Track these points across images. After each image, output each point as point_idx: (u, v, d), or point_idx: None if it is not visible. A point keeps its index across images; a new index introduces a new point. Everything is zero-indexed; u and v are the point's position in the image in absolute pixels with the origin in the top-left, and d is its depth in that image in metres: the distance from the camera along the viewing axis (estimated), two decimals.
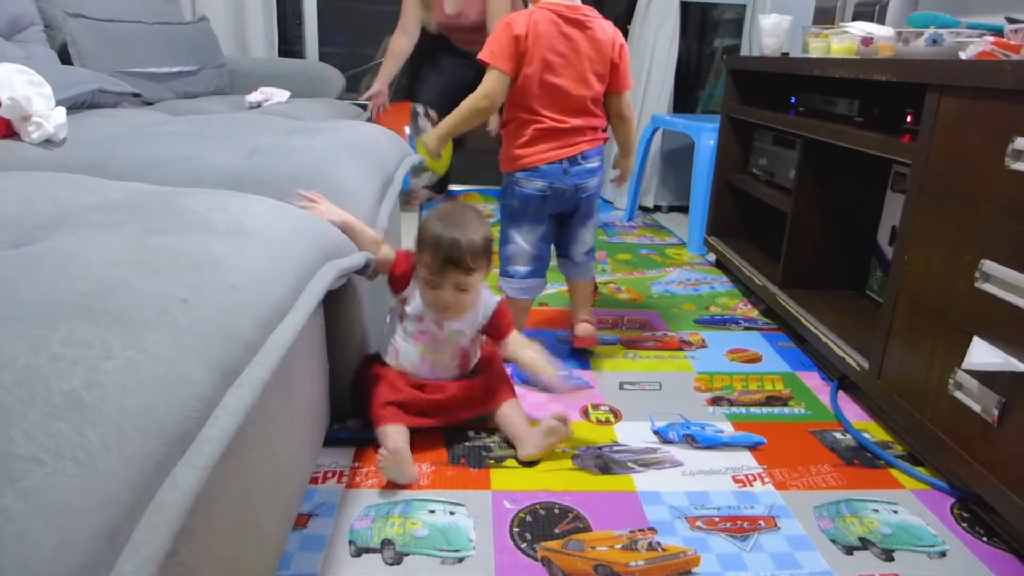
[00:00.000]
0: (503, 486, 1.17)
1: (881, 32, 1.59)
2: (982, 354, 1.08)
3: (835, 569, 1.02)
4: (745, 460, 1.28)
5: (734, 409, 1.47)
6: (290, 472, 0.98)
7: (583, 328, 1.64)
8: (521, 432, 1.26)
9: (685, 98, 3.61)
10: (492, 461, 1.24)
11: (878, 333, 1.38)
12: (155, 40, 2.33)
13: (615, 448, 1.30)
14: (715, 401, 1.50)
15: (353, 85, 3.37)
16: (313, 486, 1.14)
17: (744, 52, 3.39)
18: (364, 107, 2.88)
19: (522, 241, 1.57)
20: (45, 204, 0.90)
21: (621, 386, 1.54)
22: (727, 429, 1.38)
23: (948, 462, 1.19)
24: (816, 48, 1.84)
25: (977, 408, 1.10)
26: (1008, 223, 1.06)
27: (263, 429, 0.81)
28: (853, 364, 1.47)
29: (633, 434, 1.35)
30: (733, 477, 1.23)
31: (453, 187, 3.47)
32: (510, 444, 1.28)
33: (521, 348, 1.35)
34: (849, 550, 1.06)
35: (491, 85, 1.44)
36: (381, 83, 2.83)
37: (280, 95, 2.37)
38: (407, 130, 2.76)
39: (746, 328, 1.92)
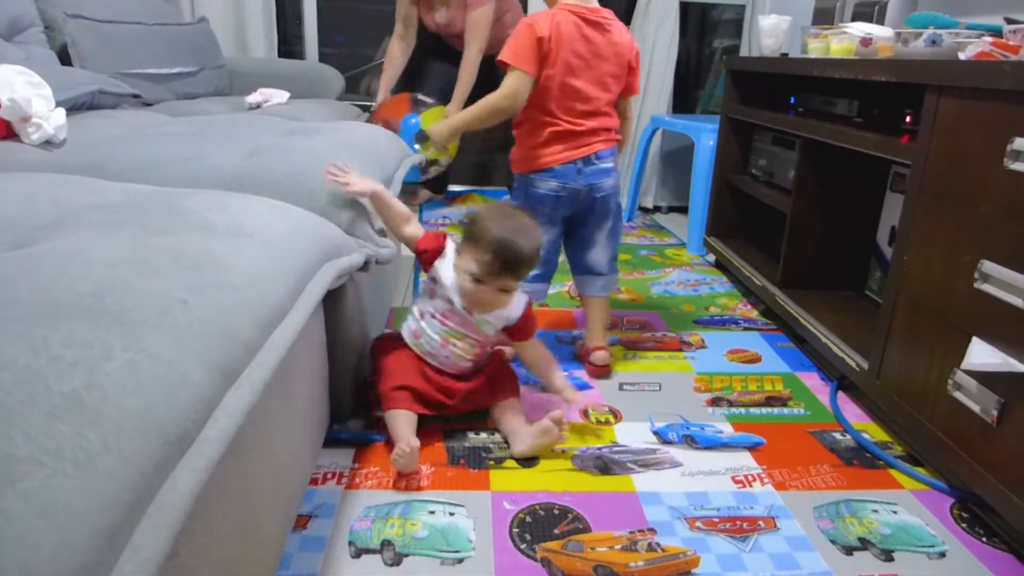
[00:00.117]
0: (503, 487, 1.17)
1: (880, 33, 1.59)
2: (981, 354, 1.08)
3: (835, 569, 1.02)
4: (745, 461, 1.28)
5: (733, 410, 1.47)
6: (290, 473, 0.98)
7: (599, 356, 1.57)
8: (516, 428, 1.27)
9: (685, 98, 3.61)
10: (492, 462, 1.24)
11: (877, 333, 1.38)
12: (155, 41, 2.33)
13: (615, 449, 1.30)
14: (715, 402, 1.50)
15: (353, 86, 3.37)
16: (313, 487, 1.14)
17: (743, 52, 3.39)
18: (369, 108, 2.89)
19: None
20: (45, 205, 0.90)
21: (621, 387, 1.54)
22: (727, 430, 1.38)
23: (947, 462, 1.19)
24: (815, 49, 1.84)
25: (976, 408, 1.10)
26: (1007, 223, 1.06)
27: (263, 430, 0.81)
28: (852, 364, 1.47)
29: (633, 435, 1.35)
30: (733, 478, 1.23)
31: (453, 187, 3.47)
32: (510, 444, 1.28)
33: (549, 367, 1.37)
34: (849, 550, 1.06)
35: (515, 85, 1.40)
36: (384, 91, 2.85)
37: (280, 96, 2.37)
38: (411, 119, 2.76)
39: (746, 328, 1.92)
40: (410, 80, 2.89)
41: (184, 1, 2.89)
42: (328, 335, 1.20)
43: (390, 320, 1.80)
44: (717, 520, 1.11)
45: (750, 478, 1.23)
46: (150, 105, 2.12)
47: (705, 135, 2.58)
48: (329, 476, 1.18)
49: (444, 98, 2.78)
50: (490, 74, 2.81)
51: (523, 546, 1.03)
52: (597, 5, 1.46)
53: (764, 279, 1.98)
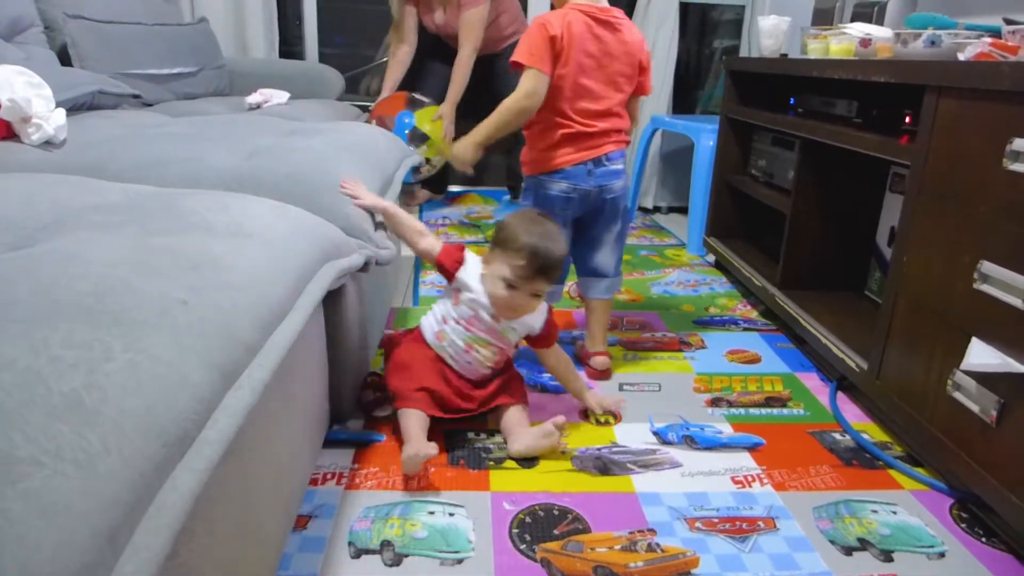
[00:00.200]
0: (502, 487, 1.17)
1: (879, 33, 1.59)
2: (981, 355, 1.08)
3: (834, 570, 1.02)
4: (744, 461, 1.28)
5: (733, 410, 1.47)
6: (290, 473, 0.98)
7: (599, 361, 1.57)
8: (516, 428, 1.28)
9: (684, 99, 3.61)
10: (492, 463, 1.24)
11: (877, 334, 1.38)
12: (155, 41, 2.33)
13: (614, 449, 1.30)
14: (714, 402, 1.50)
15: (353, 86, 3.37)
16: (312, 487, 1.14)
17: (743, 53, 3.40)
18: (369, 108, 2.89)
19: None
20: (45, 205, 0.90)
21: (620, 387, 1.54)
22: (726, 430, 1.38)
23: (947, 463, 1.19)
24: (815, 49, 1.84)
25: (976, 409, 1.10)
26: (1006, 224, 1.06)
27: (263, 430, 0.81)
28: (852, 365, 1.47)
29: (632, 435, 1.35)
30: (732, 478, 1.23)
31: (453, 188, 3.47)
32: (507, 443, 1.28)
33: (568, 372, 1.41)
34: (848, 551, 1.06)
35: (532, 84, 1.39)
36: (388, 91, 2.86)
37: (280, 96, 2.37)
38: (405, 117, 2.76)
39: (745, 329, 1.92)
40: (410, 80, 2.90)
41: (184, 1, 2.89)
42: (328, 335, 1.20)
43: (390, 320, 1.80)
44: (717, 520, 1.11)
45: (750, 478, 1.23)
46: (150, 105, 2.13)
47: (705, 135, 2.58)
48: (329, 476, 1.18)
49: (441, 99, 2.79)
50: (485, 75, 2.81)
51: (523, 546, 1.03)
52: (607, 4, 1.46)
53: (764, 279, 1.98)
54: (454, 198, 3.34)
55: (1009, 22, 1.33)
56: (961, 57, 1.25)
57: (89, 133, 1.47)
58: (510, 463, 1.24)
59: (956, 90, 1.18)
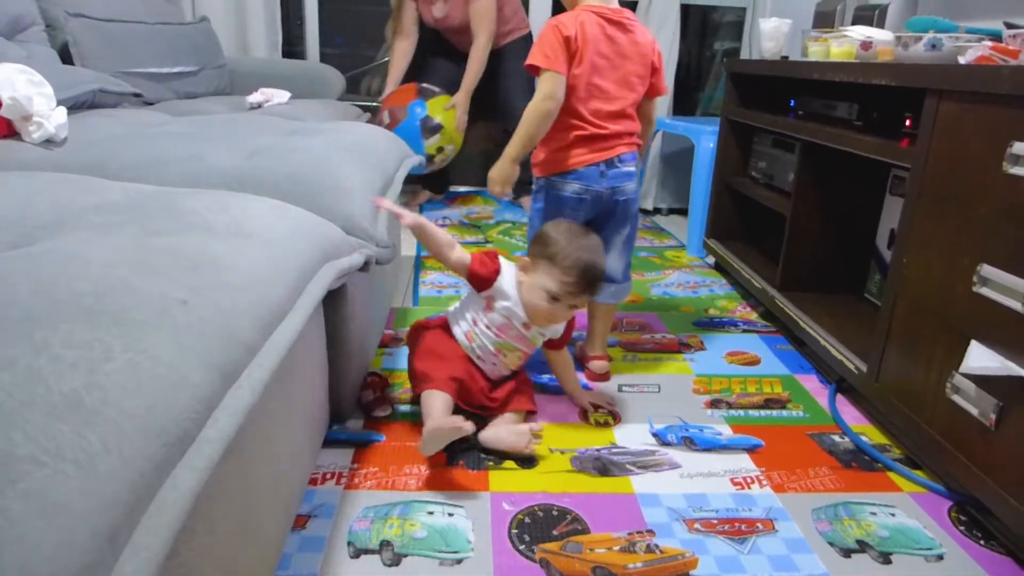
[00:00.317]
0: (502, 488, 1.17)
1: (880, 36, 1.59)
2: (980, 358, 1.08)
3: (833, 572, 1.02)
4: (743, 463, 1.28)
5: (732, 411, 1.47)
6: (290, 473, 0.98)
7: (598, 365, 1.58)
8: (500, 422, 1.29)
9: (685, 101, 3.61)
10: (491, 463, 1.24)
11: (876, 336, 1.38)
12: (156, 40, 2.33)
13: (614, 450, 1.30)
14: (713, 403, 1.50)
15: (353, 86, 3.37)
16: (312, 487, 1.14)
17: (744, 55, 3.40)
18: (370, 108, 2.89)
19: None
20: (45, 204, 0.90)
21: (620, 388, 1.55)
22: (725, 431, 1.39)
23: (946, 465, 1.19)
24: (815, 52, 1.84)
25: (975, 412, 1.10)
26: (1006, 227, 1.06)
27: (263, 430, 0.81)
28: (851, 367, 1.47)
29: (632, 436, 1.35)
30: (731, 479, 1.23)
31: (454, 188, 3.47)
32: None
33: (567, 372, 1.46)
34: (847, 553, 1.06)
35: (551, 86, 1.38)
36: (392, 86, 2.86)
37: (281, 96, 2.37)
38: (416, 106, 2.76)
39: (745, 331, 1.92)
40: (413, 77, 2.90)
41: (185, 1, 2.89)
42: (328, 335, 1.20)
43: (390, 320, 1.80)
44: (716, 522, 1.11)
45: (749, 480, 1.23)
46: (151, 104, 2.12)
47: (705, 137, 2.58)
48: (328, 476, 1.18)
49: (448, 92, 2.79)
50: (495, 66, 2.82)
51: (522, 547, 1.03)
52: (619, 5, 1.46)
53: (763, 281, 1.98)
54: (454, 198, 3.34)
55: (1010, 26, 1.33)
56: (962, 60, 1.25)
57: (90, 132, 1.47)
58: (509, 464, 1.24)
59: (956, 93, 1.18)
